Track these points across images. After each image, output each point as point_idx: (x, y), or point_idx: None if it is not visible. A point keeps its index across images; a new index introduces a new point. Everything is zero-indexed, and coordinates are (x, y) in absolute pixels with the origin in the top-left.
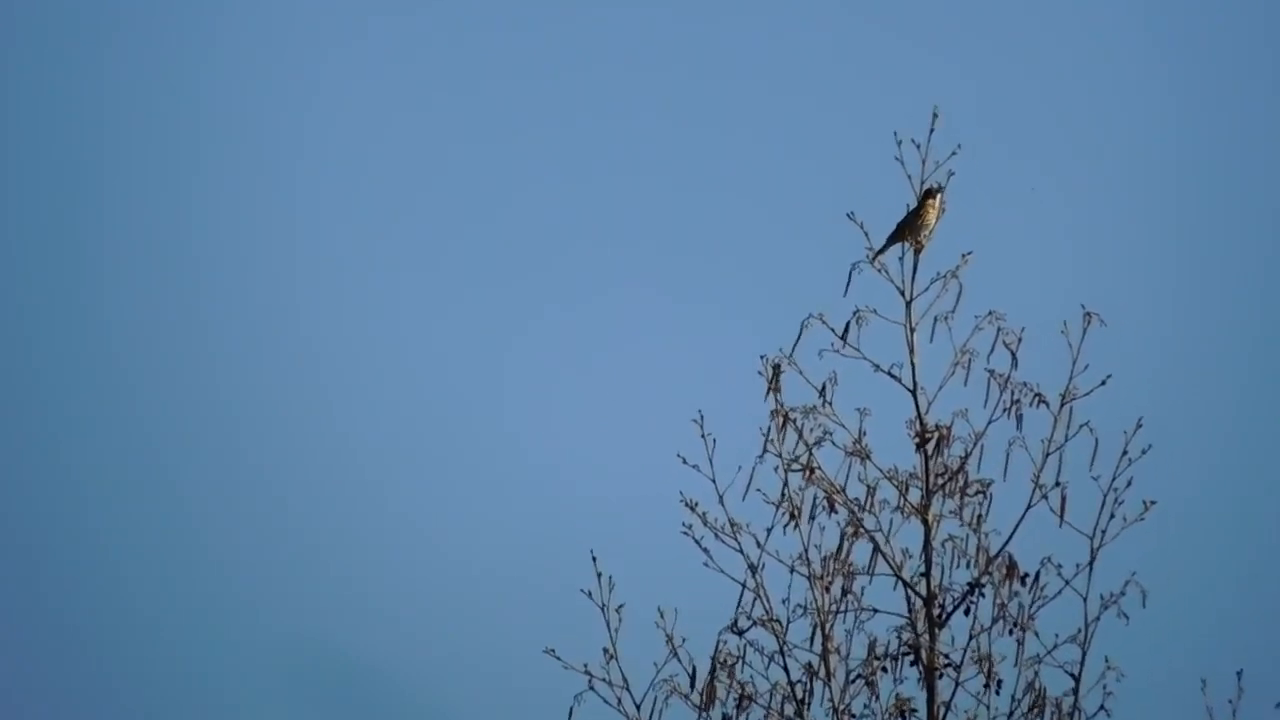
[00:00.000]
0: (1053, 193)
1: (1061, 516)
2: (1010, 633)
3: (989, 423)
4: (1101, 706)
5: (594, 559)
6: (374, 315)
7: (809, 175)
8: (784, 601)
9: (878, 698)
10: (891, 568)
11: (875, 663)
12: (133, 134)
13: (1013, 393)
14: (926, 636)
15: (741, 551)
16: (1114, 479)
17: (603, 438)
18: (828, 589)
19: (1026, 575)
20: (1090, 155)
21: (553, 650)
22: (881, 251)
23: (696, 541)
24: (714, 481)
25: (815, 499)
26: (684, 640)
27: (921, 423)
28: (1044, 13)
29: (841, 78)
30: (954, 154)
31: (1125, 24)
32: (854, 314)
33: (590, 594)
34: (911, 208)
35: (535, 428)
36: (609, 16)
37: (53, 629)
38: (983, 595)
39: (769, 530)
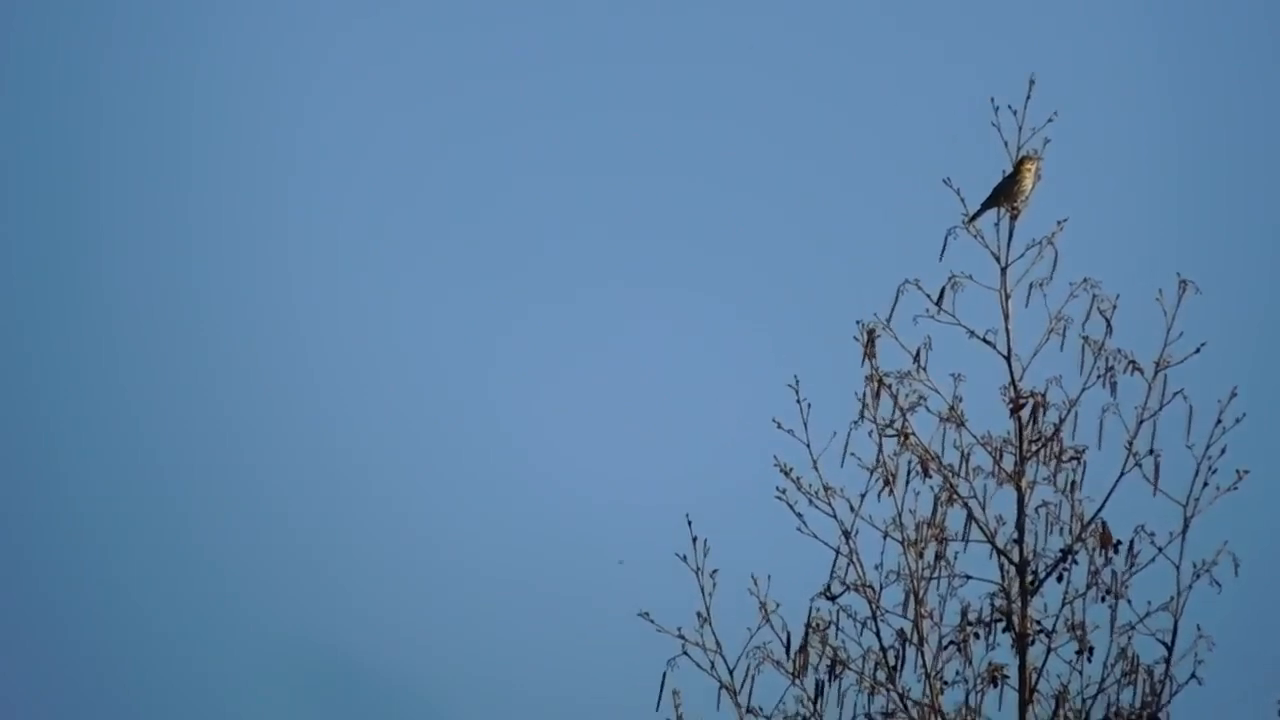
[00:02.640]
0: (1150, 159)
1: (1155, 484)
2: (1103, 600)
3: (1083, 389)
4: (1193, 674)
5: (689, 522)
6: (369, 315)
7: (805, 165)
8: (877, 567)
9: (970, 663)
10: (985, 534)
11: (968, 629)
12: (127, 132)
13: (1107, 360)
14: (1019, 603)
15: (835, 517)
16: (1208, 447)
17: (599, 436)
18: (921, 555)
19: (1119, 543)
20: (1188, 122)
21: (647, 614)
22: (977, 216)
23: (790, 506)
24: (808, 446)
25: (909, 464)
26: (777, 606)
27: (1016, 389)
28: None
29: (857, 72)
30: (1050, 120)
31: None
32: (949, 279)
33: (685, 558)
34: (1007, 173)
35: (531, 426)
36: (597, 13)
37: (53, 629)
38: (1076, 562)
39: (863, 495)
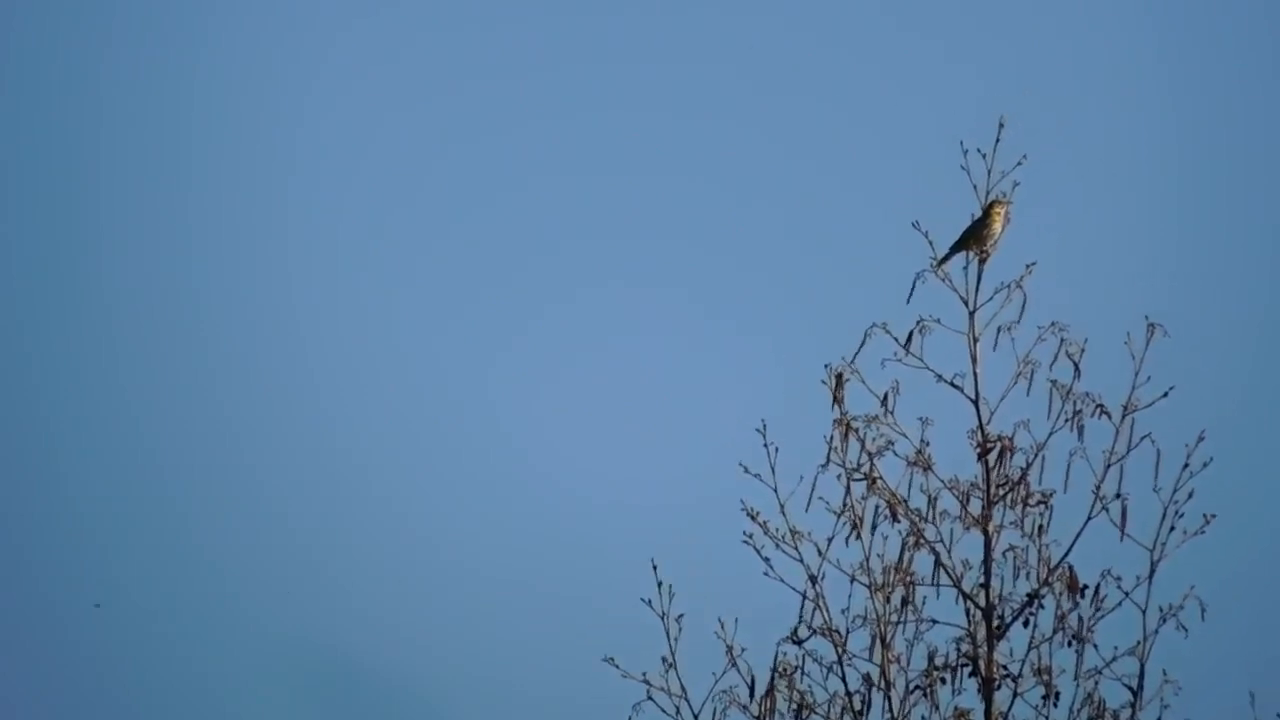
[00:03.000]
0: (1118, 201)
1: (1123, 529)
2: (1069, 644)
3: (1050, 433)
4: (1159, 719)
5: (654, 568)
6: (369, 316)
7: (811, 173)
8: (844, 611)
9: (936, 708)
10: (952, 579)
11: (934, 673)
12: (127, 133)
13: (1075, 403)
14: (985, 648)
15: (802, 561)
16: (1174, 491)
17: (599, 436)
18: (888, 599)
19: (1086, 587)
20: (1156, 164)
21: (612, 659)
22: (946, 260)
23: (757, 550)
24: (775, 490)
25: (877, 508)
26: (743, 650)
27: (983, 433)
28: (1104, 10)
29: (859, 81)
30: (1019, 164)
31: (1191, 26)
32: (917, 323)
33: (650, 603)
34: (976, 217)
35: (532, 427)
36: (598, 13)
37: (53, 629)
38: (1042, 606)
39: (830, 540)
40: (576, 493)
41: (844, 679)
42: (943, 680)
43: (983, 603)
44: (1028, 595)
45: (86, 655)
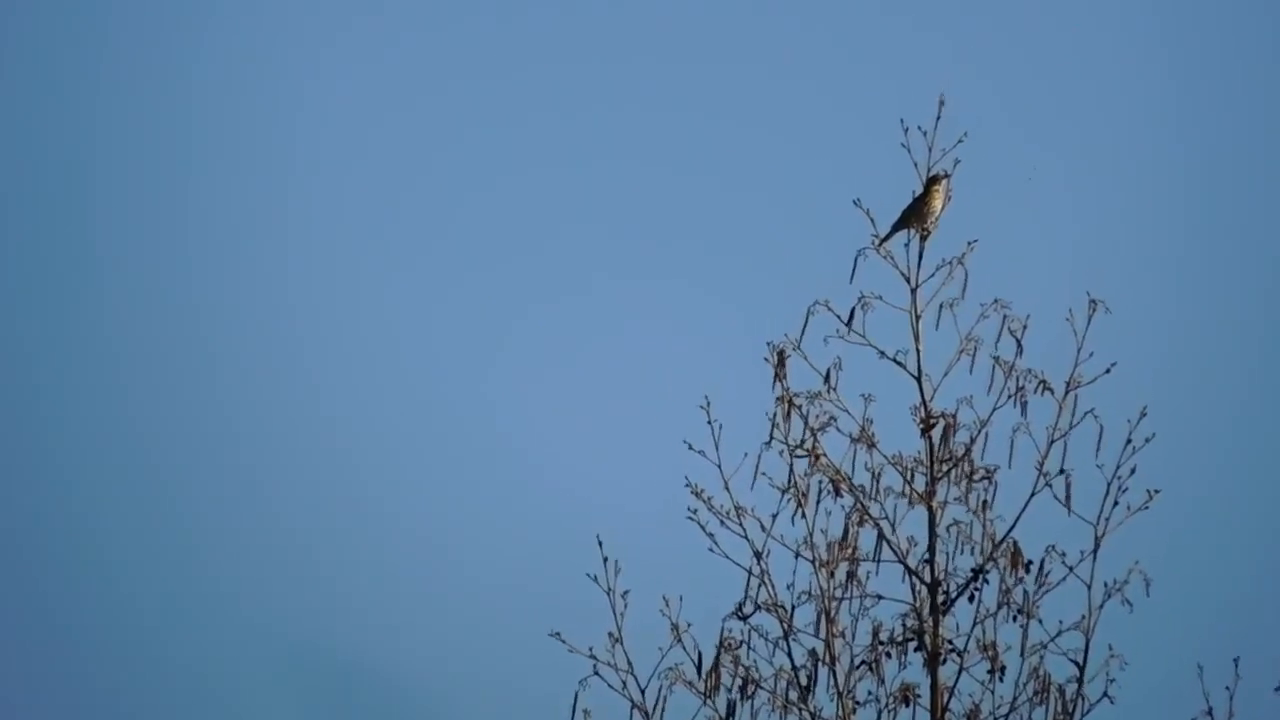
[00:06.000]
0: (1058, 180)
1: (1067, 504)
2: (1014, 619)
3: (993, 409)
4: (1104, 694)
5: (600, 543)
6: (371, 315)
7: (807, 161)
8: (789, 587)
9: (882, 683)
10: (896, 554)
11: (880, 648)
12: (121, 125)
13: (1018, 380)
14: (930, 622)
15: (746, 537)
16: (1118, 467)
17: (598, 433)
18: (832, 574)
19: (1030, 562)
20: (1096, 141)
21: (558, 634)
22: (887, 238)
23: (701, 527)
24: (719, 467)
25: (821, 485)
26: (689, 626)
27: (926, 409)
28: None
29: (842, 64)
30: (960, 141)
31: (1129, 10)
32: (859, 300)
33: (596, 578)
34: (917, 194)
35: (531, 424)
36: (605, 6)
37: (53, 629)
38: (987, 582)
39: (774, 516)
40: (578, 494)
41: (789, 654)
42: (888, 655)
43: (928, 578)
44: (973, 570)
45: (87, 655)
